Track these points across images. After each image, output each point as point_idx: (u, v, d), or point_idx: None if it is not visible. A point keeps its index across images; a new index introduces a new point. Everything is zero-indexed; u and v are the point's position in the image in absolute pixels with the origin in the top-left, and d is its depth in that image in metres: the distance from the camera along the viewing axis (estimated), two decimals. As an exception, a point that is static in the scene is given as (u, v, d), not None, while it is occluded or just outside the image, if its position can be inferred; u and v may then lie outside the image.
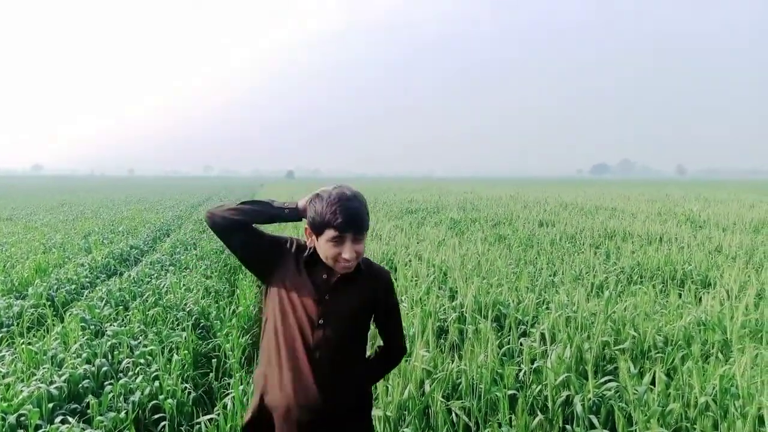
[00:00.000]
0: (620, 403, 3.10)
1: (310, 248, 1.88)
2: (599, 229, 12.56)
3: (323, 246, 1.79)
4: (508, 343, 4.17)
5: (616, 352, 3.79)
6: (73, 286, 6.99)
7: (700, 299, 5.82)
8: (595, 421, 3.03)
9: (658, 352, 3.96)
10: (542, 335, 4.14)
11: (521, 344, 4.07)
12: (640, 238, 11.13)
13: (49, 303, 6.12)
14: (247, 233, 1.89)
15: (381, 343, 2.12)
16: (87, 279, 7.52)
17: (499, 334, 4.47)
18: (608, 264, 8.18)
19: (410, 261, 7.74)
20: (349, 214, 1.73)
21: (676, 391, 3.20)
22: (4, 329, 5.23)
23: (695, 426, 2.87)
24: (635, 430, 2.83)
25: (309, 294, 1.86)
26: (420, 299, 5.28)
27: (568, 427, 3.04)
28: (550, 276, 6.85)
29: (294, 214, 1.90)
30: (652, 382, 3.47)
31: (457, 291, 5.55)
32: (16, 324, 5.33)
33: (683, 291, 6.23)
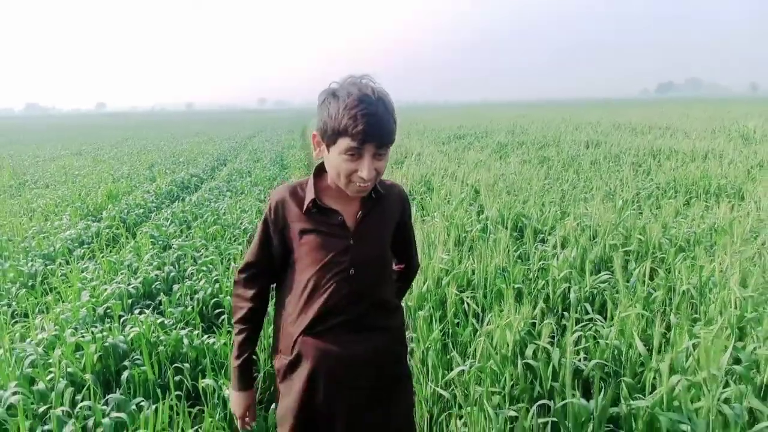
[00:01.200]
0: (614, 294, 3.52)
1: (308, 193, 1.55)
2: (646, 148, 12.53)
3: (335, 160, 1.43)
4: (526, 248, 4.60)
5: (621, 252, 4.16)
6: (141, 210, 7.77)
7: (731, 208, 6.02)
8: (588, 308, 3.46)
9: (663, 254, 4.31)
10: (556, 242, 4.53)
11: (536, 249, 4.48)
12: (684, 155, 11.09)
13: (121, 224, 6.89)
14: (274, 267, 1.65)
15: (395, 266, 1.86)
16: (153, 204, 8.31)
17: (519, 241, 4.89)
18: (644, 180, 8.35)
19: (445, 181, 8.13)
20: (371, 121, 1.35)
21: (667, 282, 3.58)
22: (85, 246, 6.01)
23: (679, 310, 3.25)
24: (626, 315, 3.22)
25: (330, 247, 1.53)
26: (450, 215, 5.72)
27: (565, 313, 3.48)
28: (581, 192, 7.13)
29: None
30: (651, 278, 3.86)
31: (484, 206, 5.97)
32: (95, 242, 6.11)
33: (709, 203, 6.43)
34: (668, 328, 3.11)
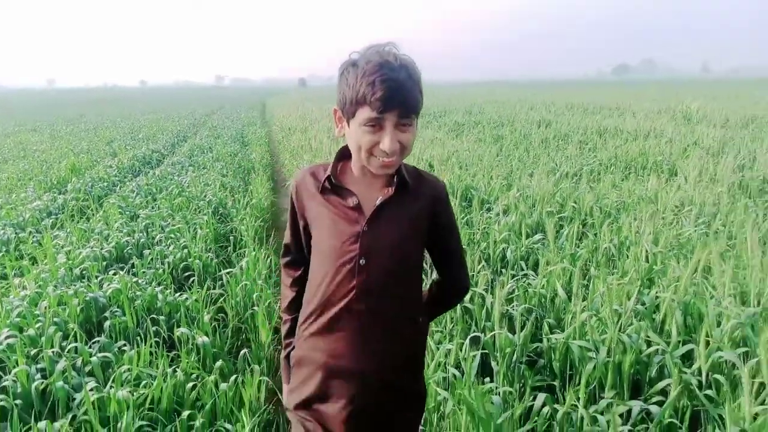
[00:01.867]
0: (546, 252, 3.98)
1: (329, 171, 1.45)
2: (593, 128, 13.16)
3: (355, 133, 1.32)
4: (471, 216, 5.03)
5: (555, 218, 4.63)
6: (105, 184, 7.94)
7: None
8: (523, 264, 3.91)
9: (593, 220, 4.80)
10: (499, 210, 4.98)
11: (481, 216, 4.92)
12: (629, 134, 11.74)
13: (87, 196, 7.07)
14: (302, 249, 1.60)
15: (435, 277, 1.67)
16: (116, 177, 8.48)
17: (467, 210, 5.32)
18: (588, 157, 8.91)
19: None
20: (392, 86, 1.24)
21: (593, 243, 4.07)
22: (53, 216, 6.20)
23: (599, 264, 3.73)
24: (553, 269, 3.67)
25: (341, 229, 1.41)
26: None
27: (503, 270, 3.92)
28: (528, 168, 7.62)
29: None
30: (580, 240, 4.35)
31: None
32: (62, 212, 6.30)
33: (643, 177, 6.99)
34: (589, 279, 3.58)
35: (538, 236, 4.27)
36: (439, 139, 10.99)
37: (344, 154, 1.49)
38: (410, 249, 1.47)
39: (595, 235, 4.41)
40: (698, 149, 9.27)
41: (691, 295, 3.04)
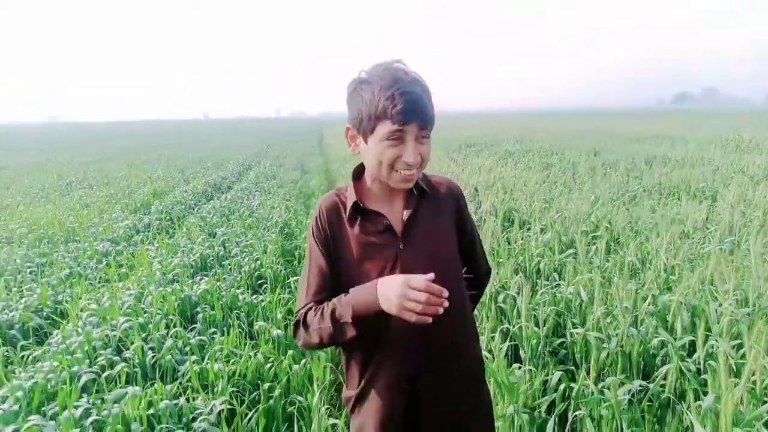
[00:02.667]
0: (577, 265, 4.45)
1: (350, 198, 1.43)
2: (642, 156, 13.40)
3: (375, 149, 1.32)
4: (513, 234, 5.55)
5: (589, 236, 5.10)
6: (183, 206, 8.84)
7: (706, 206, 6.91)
8: (556, 276, 4.41)
9: (623, 239, 5.24)
10: (537, 228, 5.48)
11: (521, 236, 5.43)
12: (677, 162, 11.96)
13: (167, 218, 7.94)
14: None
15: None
16: (192, 201, 9.38)
17: (508, 229, 5.83)
18: (633, 183, 9.25)
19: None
20: (412, 99, 1.26)
21: (617, 255, 4.52)
22: (141, 233, 7.06)
23: (622, 272, 4.19)
24: (581, 279, 4.15)
25: (378, 256, 1.38)
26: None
27: (538, 281, 4.42)
28: (570, 192, 8.06)
29: (377, 313, 1.28)
30: (608, 254, 4.80)
31: (481, 202, 6.93)
32: (148, 231, 7.16)
33: (682, 202, 7.33)
34: (611, 287, 4.04)
35: (570, 251, 4.75)
36: (486, 166, 11.50)
37: (359, 173, 1.48)
38: (448, 252, 1.48)
39: (623, 251, 4.85)
40: (743, 176, 9.46)
41: (699, 299, 3.48)
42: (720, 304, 3.32)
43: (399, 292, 1.21)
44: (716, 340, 3.04)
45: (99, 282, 5.18)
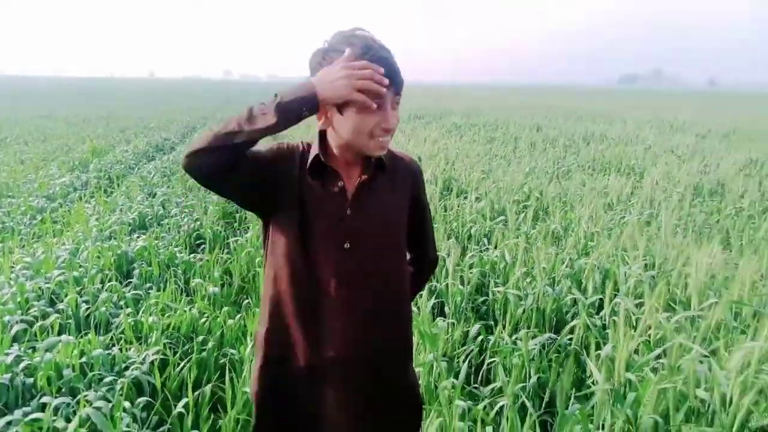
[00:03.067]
0: (504, 231, 4.69)
1: (312, 152, 1.37)
2: (581, 133, 13.87)
3: (351, 119, 1.27)
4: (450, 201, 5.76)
5: (520, 206, 5.35)
6: (123, 166, 8.69)
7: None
8: (485, 241, 4.64)
9: (554, 208, 5.53)
10: (473, 197, 5.71)
11: (458, 203, 5.64)
12: (613, 140, 12.46)
13: (106, 177, 7.81)
14: (242, 170, 1.29)
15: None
16: (132, 161, 9.22)
17: (447, 197, 6.04)
18: (569, 158, 9.63)
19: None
20: (387, 64, 1.25)
21: (544, 224, 4.79)
22: (79, 191, 6.94)
23: (546, 238, 4.45)
24: (507, 243, 4.38)
25: (324, 214, 1.36)
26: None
27: (469, 245, 4.64)
28: (509, 165, 8.35)
29: (311, 103, 1.24)
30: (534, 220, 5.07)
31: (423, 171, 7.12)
32: (86, 189, 7.04)
33: (609, 176, 7.72)
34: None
35: (501, 218, 4.99)
36: (431, 138, 11.70)
37: (323, 137, 1.40)
38: (395, 229, 1.45)
39: (550, 219, 5.13)
40: (672, 156, 9.98)
41: (611, 263, 3.76)
42: (629, 268, 3.61)
43: (344, 73, 1.21)
44: (621, 299, 3.32)
45: (33, 238, 5.12)
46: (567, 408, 2.30)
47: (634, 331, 2.93)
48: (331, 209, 1.37)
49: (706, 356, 2.54)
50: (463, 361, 3.00)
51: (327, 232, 1.36)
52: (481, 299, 3.73)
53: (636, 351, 2.89)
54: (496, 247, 4.32)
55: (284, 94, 1.25)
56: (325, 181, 1.37)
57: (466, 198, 6.05)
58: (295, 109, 1.24)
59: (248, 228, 5.62)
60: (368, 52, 1.24)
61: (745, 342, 2.59)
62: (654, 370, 2.63)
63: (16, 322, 3.16)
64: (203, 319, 3.53)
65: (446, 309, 3.55)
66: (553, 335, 3.10)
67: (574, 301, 3.45)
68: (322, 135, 1.40)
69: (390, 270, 1.46)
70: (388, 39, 1.32)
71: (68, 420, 2.39)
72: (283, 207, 1.37)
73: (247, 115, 1.24)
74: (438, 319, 3.33)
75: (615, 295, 3.37)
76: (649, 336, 2.98)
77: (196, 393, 2.72)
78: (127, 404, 2.48)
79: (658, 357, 2.71)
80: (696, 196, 6.48)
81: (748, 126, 16.55)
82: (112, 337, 3.24)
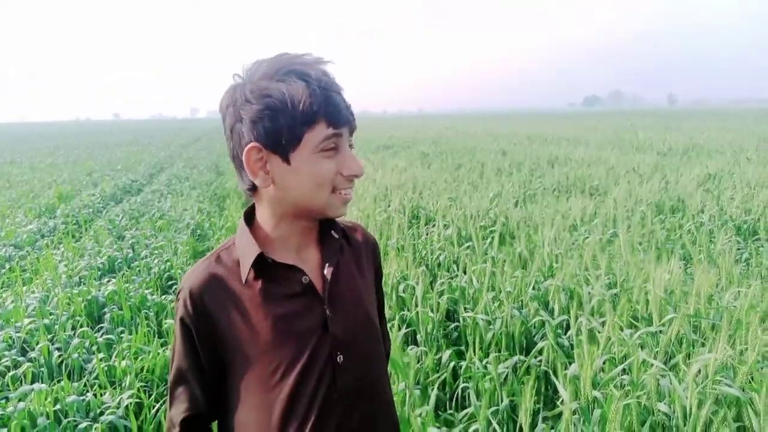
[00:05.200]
0: (473, 256, 4.80)
1: (243, 252, 1.03)
2: (546, 157, 14.19)
3: (308, 167, 0.96)
4: (419, 230, 5.86)
5: (486, 231, 5.48)
6: (91, 210, 8.63)
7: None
8: (455, 267, 4.73)
9: (519, 232, 5.66)
10: (441, 225, 5.82)
11: (426, 231, 5.75)
12: (576, 162, 12.78)
13: (74, 221, 7.74)
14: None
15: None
16: (100, 204, 9.17)
17: (415, 225, 6.15)
18: (535, 181, 9.85)
19: (365, 184, 9.37)
20: (341, 95, 0.98)
21: (510, 247, 4.91)
22: (47, 237, 6.88)
23: (513, 262, 4.56)
24: (475, 269, 4.47)
25: (298, 332, 1.01)
26: (364, 208, 6.94)
27: (437, 271, 4.73)
28: (477, 191, 8.51)
29: None
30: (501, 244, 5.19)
31: (391, 201, 7.23)
32: (54, 234, 6.98)
33: (573, 198, 7.92)
34: (502, 275, 4.40)
35: (468, 244, 5.10)
36: (398, 167, 11.86)
37: (250, 216, 1.08)
38: (374, 319, 1.16)
39: (516, 243, 5.26)
40: (634, 174, 10.28)
41: (575, 283, 3.88)
42: (591, 287, 3.73)
43: None
44: (585, 319, 3.43)
45: (2, 287, 5.06)
46: (533, 429, 2.37)
47: (598, 349, 3.04)
48: (306, 318, 1.02)
49: (666, 370, 2.64)
50: (437, 388, 3.06)
51: (307, 351, 1.01)
52: (453, 325, 3.81)
53: (602, 369, 2.99)
54: (465, 273, 4.42)
55: None
56: (281, 286, 1.02)
57: (434, 225, 6.17)
58: None
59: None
60: (320, 79, 0.95)
61: (702, 354, 2.71)
62: (619, 386, 2.72)
63: (-13, 374, 3.14)
64: (177, 361, 3.54)
65: (418, 337, 3.62)
66: (522, 357, 3.19)
67: (542, 323, 3.55)
68: (249, 216, 1.08)
69: (384, 372, 1.18)
70: (347, 71, 0.92)
71: (43, 470, 2.38)
72: (235, 356, 1.02)
73: None
74: (410, 347, 3.40)
75: (579, 315, 3.48)
76: (614, 353, 3.08)
77: (172, 435, 2.73)
78: (102, 450, 2.49)
79: (624, 372, 2.81)
80: (657, 213, 6.70)
81: (707, 142, 17.12)
82: (85, 383, 3.24)
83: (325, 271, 1.05)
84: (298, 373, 1.00)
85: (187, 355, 1.03)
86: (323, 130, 0.95)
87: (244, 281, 1.01)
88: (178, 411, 1.06)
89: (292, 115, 0.93)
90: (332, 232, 1.10)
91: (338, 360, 1.03)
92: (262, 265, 1.00)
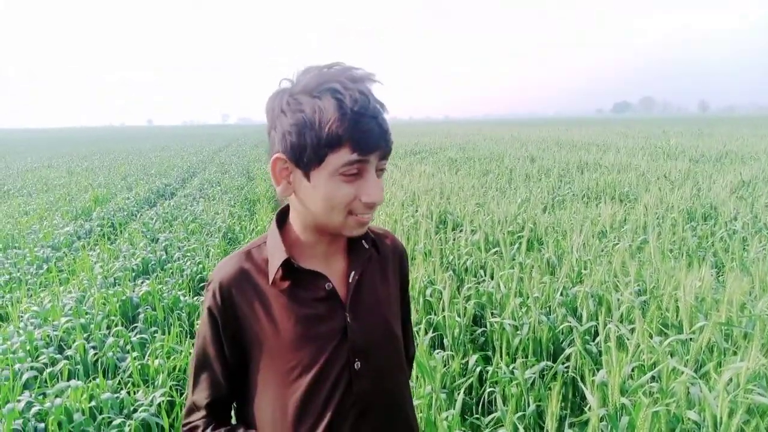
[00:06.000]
0: (500, 262, 4.79)
1: (272, 254, 1.06)
2: (575, 162, 14.07)
3: (324, 187, 0.97)
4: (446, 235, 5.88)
5: (514, 236, 5.47)
6: (125, 213, 8.83)
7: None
8: (482, 273, 4.73)
9: (547, 237, 5.64)
10: (468, 230, 5.82)
11: (453, 236, 5.76)
12: (606, 168, 12.63)
13: (109, 224, 7.94)
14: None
15: None
16: (134, 207, 9.38)
17: (443, 230, 6.16)
18: (564, 187, 9.77)
19: (393, 189, 9.42)
20: (377, 120, 0.95)
21: (538, 253, 4.89)
22: (83, 239, 7.07)
23: (541, 267, 4.54)
24: (503, 274, 4.47)
25: (319, 334, 1.05)
26: (391, 213, 6.98)
27: (464, 276, 4.74)
28: (504, 197, 8.49)
29: None
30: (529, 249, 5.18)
31: (418, 206, 7.26)
32: (90, 237, 7.17)
33: (603, 204, 7.84)
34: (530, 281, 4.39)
35: (495, 249, 5.10)
36: (426, 172, 11.88)
37: (283, 219, 1.11)
38: (397, 330, 1.18)
39: (544, 249, 5.23)
40: (666, 181, 10.13)
41: (604, 290, 3.85)
42: (621, 294, 3.70)
43: None
44: (614, 325, 3.40)
45: (40, 287, 5.22)
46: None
47: (627, 356, 3.02)
48: (327, 322, 1.05)
49: (696, 378, 2.61)
50: (463, 393, 3.07)
51: (326, 354, 1.04)
52: (479, 330, 3.82)
53: (631, 376, 2.97)
54: (492, 278, 4.42)
55: None
56: (306, 290, 1.05)
57: (461, 231, 6.17)
58: None
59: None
60: (358, 101, 0.93)
61: (734, 362, 2.67)
62: (648, 393, 2.70)
63: (27, 370, 3.25)
64: (208, 361, 3.61)
65: (445, 341, 3.63)
66: (550, 363, 3.18)
67: (570, 329, 3.54)
68: (281, 218, 1.11)
69: (405, 382, 1.21)
70: (383, 75, 1.02)
71: (80, 463, 2.46)
72: (259, 351, 1.06)
73: None
74: (437, 351, 3.42)
75: (609, 321, 3.46)
76: (643, 361, 3.06)
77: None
78: (136, 445, 2.56)
79: (653, 380, 2.79)
80: (689, 220, 6.60)
81: (740, 148, 16.78)
82: (119, 381, 3.33)
83: (350, 279, 1.08)
84: (313, 375, 1.03)
85: (212, 343, 1.07)
86: (346, 155, 0.94)
87: (270, 282, 1.04)
88: (201, 396, 1.10)
89: (318, 135, 0.93)
90: (362, 241, 1.11)
91: (355, 366, 1.05)
92: (290, 269, 1.04)
